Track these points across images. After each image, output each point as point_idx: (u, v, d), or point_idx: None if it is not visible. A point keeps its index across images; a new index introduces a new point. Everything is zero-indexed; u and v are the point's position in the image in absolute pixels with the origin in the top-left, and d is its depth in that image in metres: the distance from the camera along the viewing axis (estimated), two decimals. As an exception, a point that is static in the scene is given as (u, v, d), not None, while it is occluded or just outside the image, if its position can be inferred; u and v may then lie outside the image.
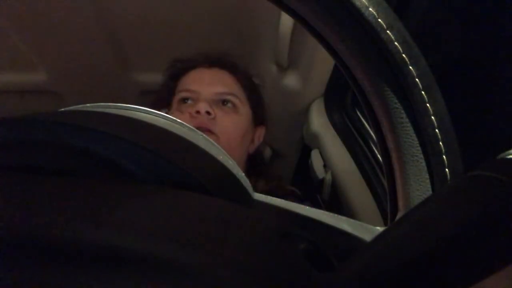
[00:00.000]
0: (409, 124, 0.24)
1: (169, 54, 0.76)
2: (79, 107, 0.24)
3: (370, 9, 0.22)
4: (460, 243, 0.13)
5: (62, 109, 0.23)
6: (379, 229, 0.25)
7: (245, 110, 0.75)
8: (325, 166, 0.84)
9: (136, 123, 0.21)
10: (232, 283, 0.10)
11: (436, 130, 0.23)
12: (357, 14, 0.22)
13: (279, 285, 0.11)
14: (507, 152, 0.17)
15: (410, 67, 0.23)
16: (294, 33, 0.74)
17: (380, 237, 0.15)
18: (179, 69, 0.79)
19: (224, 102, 0.73)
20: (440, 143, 0.23)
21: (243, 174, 0.22)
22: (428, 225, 0.15)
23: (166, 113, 0.24)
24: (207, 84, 0.73)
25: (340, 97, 0.84)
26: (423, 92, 0.23)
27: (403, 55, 0.23)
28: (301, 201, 0.77)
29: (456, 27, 0.53)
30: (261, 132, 0.82)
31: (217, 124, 0.69)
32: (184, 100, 0.73)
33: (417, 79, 0.23)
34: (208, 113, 0.68)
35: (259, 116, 0.80)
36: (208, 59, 0.77)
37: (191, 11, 0.71)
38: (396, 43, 0.22)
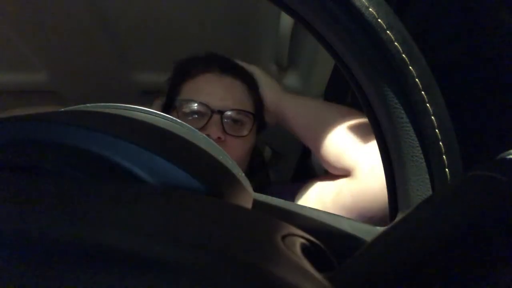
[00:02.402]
0: (409, 124, 0.24)
1: (169, 54, 0.76)
2: (79, 107, 0.24)
3: (370, 9, 0.22)
4: (460, 243, 0.13)
5: (62, 109, 0.23)
6: (379, 229, 0.25)
7: (253, 125, 0.70)
8: (325, 166, 0.84)
9: (136, 123, 0.21)
10: (233, 283, 0.10)
11: (436, 130, 0.23)
12: (357, 14, 0.22)
13: (279, 285, 0.11)
14: (507, 152, 0.17)
15: (410, 67, 0.23)
16: (294, 33, 0.74)
17: (380, 237, 0.15)
18: (185, 71, 0.72)
19: (235, 120, 0.67)
20: (440, 143, 0.23)
21: (243, 174, 0.22)
22: (428, 225, 0.15)
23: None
24: (219, 98, 0.67)
25: (340, 97, 0.84)
26: (423, 92, 0.23)
27: (403, 55, 0.23)
28: None
29: (457, 27, 0.53)
30: (261, 132, 0.78)
31: (227, 146, 0.65)
32: (191, 113, 0.67)
33: (417, 79, 0.23)
34: (219, 137, 0.64)
35: (263, 119, 0.76)
36: (220, 64, 0.70)
37: (191, 11, 0.71)
38: (396, 43, 0.22)
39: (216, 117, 0.66)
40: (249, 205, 0.21)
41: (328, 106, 0.67)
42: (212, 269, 0.10)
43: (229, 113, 0.66)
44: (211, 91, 0.68)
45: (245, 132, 0.68)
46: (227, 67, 0.71)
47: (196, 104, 0.67)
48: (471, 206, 0.15)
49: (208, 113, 0.66)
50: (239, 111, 0.67)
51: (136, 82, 0.88)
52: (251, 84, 0.72)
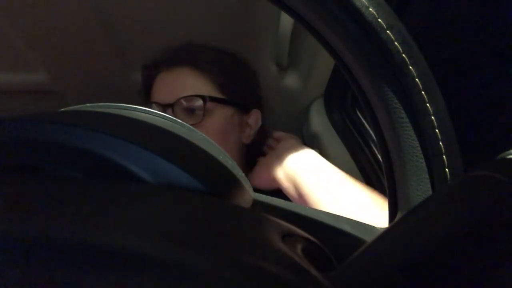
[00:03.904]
0: (409, 124, 0.24)
1: (169, 54, 0.76)
2: (79, 107, 0.24)
3: (370, 9, 0.22)
4: (460, 243, 0.13)
5: (62, 109, 0.23)
6: (379, 229, 0.25)
7: (219, 108, 0.67)
8: (325, 166, 0.84)
9: (136, 123, 0.21)
10: (234, 283, 0.10)
11: (436, 130, 0.23)
12: (357, 14, 0.22)
13: (280, 286, 0.11)
14: (507, 152, 0.17)
15: (410, 67, 0.23)
16: (294, 33, 0.74)
17: (380, 237, 0.15)
18: (146, 77, 0.74)
19: (188, 109, 0.66)
20: (440, 143, 0.23)
21: (243, 174, 0.22)
22: (428, 225, 0.15)
23: None
24: (169, 91, 0.67)
25: (340, 97, 0.83)
26: (423, 92, 0.23)
27: (403, 55, 0.23)
28: None
29: (457, 26, 0.53)
30: (255, 116, 0.74)
31: None
32: None
33: (417, 79, 0.23)
34: None
35: (249, 101, 0.73)
36: (167, 59, 0.70)
37: (191, 11, 0.71)
38: (396, 43, 0.22)
39: (169, 111, 0.65)
40: (249, 205, 0.21)
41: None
42: (212, 269, 0.10)
43: (178, 103, 0.65)
44: (161, 89, 0.69)
45: (199, 118, 0.65)
46: (174, 59, 0.70)
47: (151, 106, 0.68)
48: (471, 206, 0.15)
49: (161, 110, 0.66)
50: (186, 98, 0.65)
51: (136, 82, 0.87)
52: (205, 67, 0.69)
